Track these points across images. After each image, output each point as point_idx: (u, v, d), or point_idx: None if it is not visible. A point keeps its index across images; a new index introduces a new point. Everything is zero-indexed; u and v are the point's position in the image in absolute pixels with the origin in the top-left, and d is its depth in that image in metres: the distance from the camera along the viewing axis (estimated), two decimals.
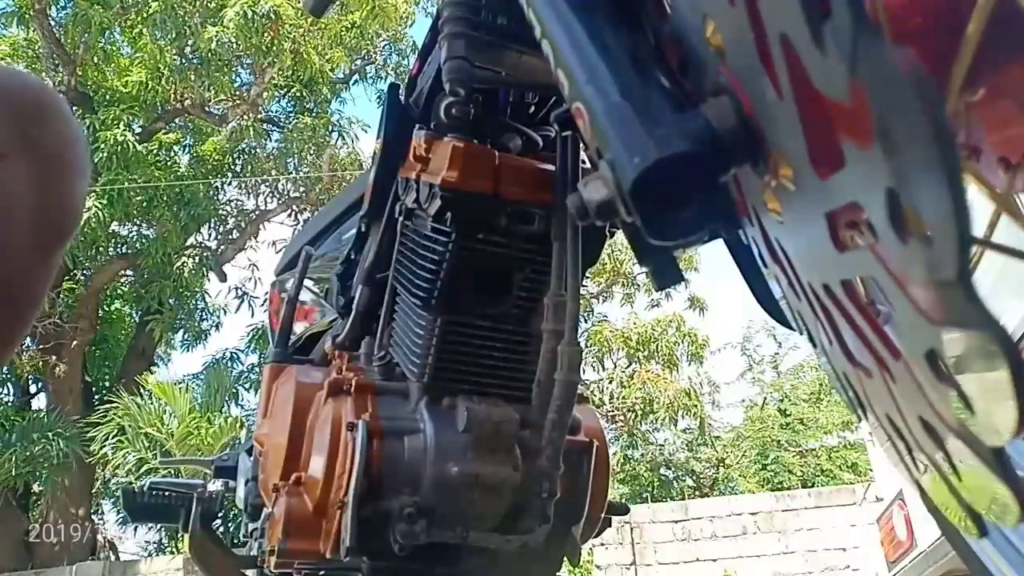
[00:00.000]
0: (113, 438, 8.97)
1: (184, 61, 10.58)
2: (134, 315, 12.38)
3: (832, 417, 12.34)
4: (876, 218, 0.40)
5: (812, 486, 10.92)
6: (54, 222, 0.51)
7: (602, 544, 8.33)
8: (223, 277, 11.56)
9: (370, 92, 13.34)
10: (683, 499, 11.00)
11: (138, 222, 10.84)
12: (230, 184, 11.46)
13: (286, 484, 1.29)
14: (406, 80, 1.37)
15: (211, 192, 11.10)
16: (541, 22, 0.73)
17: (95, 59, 10.72)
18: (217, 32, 9.86)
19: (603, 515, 1.42)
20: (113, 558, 10.86)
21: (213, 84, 10.54)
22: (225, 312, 12.31)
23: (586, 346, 10.98)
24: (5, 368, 10.77)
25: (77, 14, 9.97)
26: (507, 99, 1.27)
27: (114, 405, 9.16)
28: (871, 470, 8.71)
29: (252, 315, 11.87)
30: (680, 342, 11.27)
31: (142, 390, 9.49)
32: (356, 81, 12.83)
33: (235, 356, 11.86)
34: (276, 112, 12.49)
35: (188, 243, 11.22)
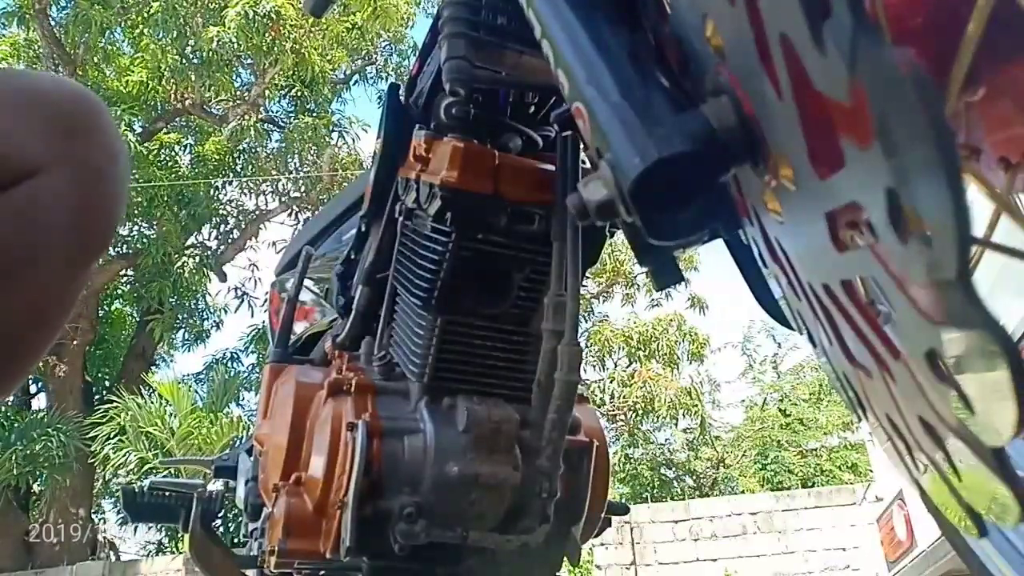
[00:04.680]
0: (114, 438, 8.97)
1: (185, 61, 10.57)
2: (134, 315, 12.38)
3: (832, 417, 12.34)
4: (876, 218, 0.40)
5: (812, 486, 10.92)
6: (90, 236, 0.51)
7: (602, 544, 8.33)
8: (223, 277, 11.57)
9: (371, 92, 13.36)
10: (683, 499, 11.00)
11: (138, 222, 10.84)
12: (230, 184, 11.47)
13: (286, 484, 1.29)
14: (406, 80, 1.37)
15: (211, 192, 11.10)
16: (541, 22, 0.73)
17: (95, 59, 10.72)
18: (218, 32, 9.86)
19: (603, 515, 1.42)
20: (113, 558, 10.86)
21: (214, 84, 10.54)
22: (225, 312, 12.33)
23: (586, 346, 10.98)
24: None
25: (77, 14, 9.97)
26: (507, 99, 1.27)
27: (115, 405, 9.16)
28: (871, 470, 8.71)
29: (252, 315, 11.90)
30: (680, 341, 11.27)
31: (143, 390, 9.50)
32: (357, 81, 12.84)
33: (235, 356, 11.88)
34: (277, 112, 12.50)
35: (188, 243, 11.22)
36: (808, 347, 0.72)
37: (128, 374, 11.03)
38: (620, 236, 1.01)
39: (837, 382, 0.66)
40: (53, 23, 10.42)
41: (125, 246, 11.06)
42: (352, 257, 1.56)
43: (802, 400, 13.16)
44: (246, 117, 10.82)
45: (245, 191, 11.64)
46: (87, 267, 0.53)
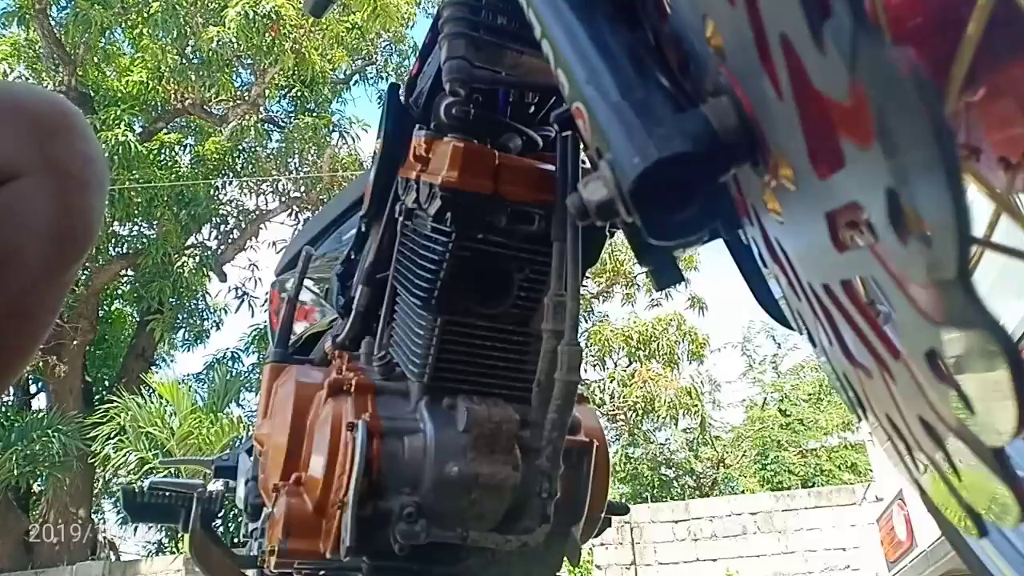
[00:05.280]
0: (114, 437, 8.97)
1: (185, 61, 10.58)
2: (134, 315, 12.38)
3: (832, 417, 12.34)
4: (876, 218, 0.40)
5: (812, 486, 10.92)
6: (71, 239, 0.51)
7: (602, 544, 8.33)
8: (223, 277, 11.57)
9: (371, 92, 13.37)
10: (683, 499, 11.01)
11: (138, 222, 10.85)
12: (230, 184, 11.47)
13: (286, 484, 1.29)
14: (406, 80, 1.37)
15: (211, 192, 11.10)
16: (541, 22, 0.73)
17: (95, 59, 10.72)
18: (218, 32, 9.86)
19: (603, 515, 1.42)
20: (113, 558, 10.86)
21: (214, 84, 10.54)
22: (225, 312, 12.33)
23: (587, 346, 10.98)
24: None
25: (78, 14, 9.97)
26: (507, 99, 1.27)
27: (115, 405, 9.16)
28: (871, 470, 8.71)
29: (252, 315, 11.90)
30: (681, 341, 11.27)
31: (143, 390, 9.50)
32: (357, 81, 12.85)
33: (236, 356, 11.89)
34: (277, 112, 12.51)
35: (188, 243, 11.23)
36: (808, 347, 0.72)
37: (128, 374, 11.03)
38: (620, 236, 1.01)
39: (837, 382, 0.66)
40: (53, 23, 10.42)
41: (125, 246, 11.06)
42: (352, 257, 1.56)
43: (802, 400, 13.17)
44: (246, 117, 10.83)
45: (245, 191, 11.64)
46: (69, 268, 0.54)
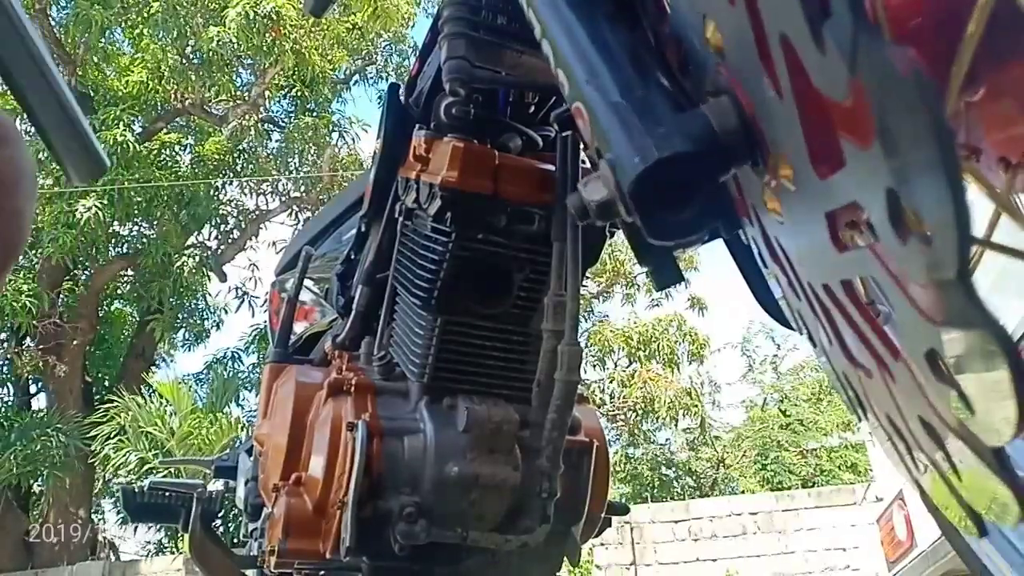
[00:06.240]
0: (114, 437, 8.97)
1: (185, 61, 10.57)
2: (134, 315, 12.38)
3: (832, 418, 12.34)
4: (876, 218, 0.40)
5: (812, 486, 10.92)
6: (4, 245, 0.51)
7: (602, 544, 8.33)
8: (223, 277, 11.56)
9: (371, 92, 13.36)
10: (684, 499, 11.01)
11: (138, 222, 10.84)
12: (230, 184, 11.46)
13: (286, 484, 1.29)
14: (406, 80, 1.37)
15: (211, 192, 11.10)
16: (541, 22, 0.73)
17: (95, 59, 10.72)
18: (218, 32, 9.86)
19: (603, 515, 1.42)
20: (113, 558, 10.85)
21: (214, 84, 10.54)
22: (226, 312, 12.32)
23: (587, 346, 10.98)
24: (5, 368, 10.79)
25: (78, 14, 9.97)
26: (507, 99, 1.27)
27: (115, 405, 9.15)
28: (871, 470, 8.71)
29: (252, 315, 11.89)
30: (681, 342, 11.27)
31: (143, 390, 9.49)
32: (357, 81, 12.85)
33: (236, 356, 11.88)
34: (277, 112, 12.49)
35: (188, 243, 11.22)
36: (808, 347, 0.72)
37: (128, 374, 11.02)
38: (620, 236, 1.01)
39: (837, 382, 0.66)
40: (53, 23, 10.41)
41: (125, 246, 11.06)
42: (352, 257, 1.56)
43: (802, 400, 13.16)
44: (246, 117, 10.82)
45: (245, 191, 11.64)
46: (1, 275, 0.53)
